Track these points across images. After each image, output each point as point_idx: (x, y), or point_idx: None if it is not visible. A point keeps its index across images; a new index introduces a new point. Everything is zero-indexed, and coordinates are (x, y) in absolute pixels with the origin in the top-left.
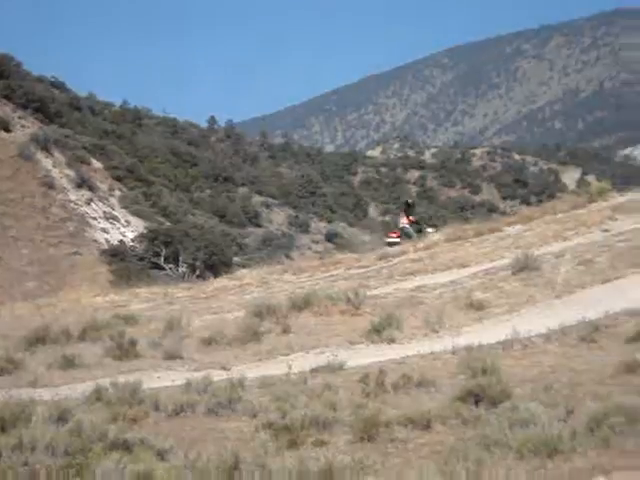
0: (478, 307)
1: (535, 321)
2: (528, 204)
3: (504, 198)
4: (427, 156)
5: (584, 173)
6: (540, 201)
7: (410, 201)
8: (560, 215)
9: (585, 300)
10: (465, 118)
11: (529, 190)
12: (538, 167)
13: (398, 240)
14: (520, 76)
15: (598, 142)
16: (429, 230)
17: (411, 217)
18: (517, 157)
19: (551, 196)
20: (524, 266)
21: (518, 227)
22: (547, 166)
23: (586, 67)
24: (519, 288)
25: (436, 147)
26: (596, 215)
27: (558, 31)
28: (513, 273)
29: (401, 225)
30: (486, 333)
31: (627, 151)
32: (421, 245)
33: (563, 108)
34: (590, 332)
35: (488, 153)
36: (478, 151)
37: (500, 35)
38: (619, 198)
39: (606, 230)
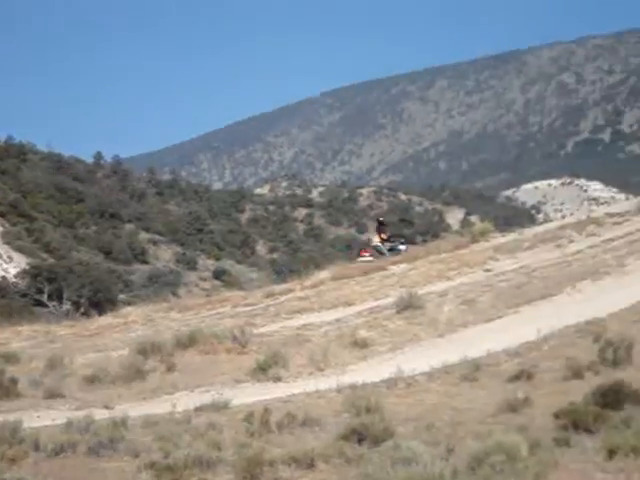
0: (363, 345)
1: (419, 359)
2: (413, 244)
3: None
4: (315, 195)
5: (468, 213)
6: (425, 241)
7: (382, 219)
8: (444, 255)
9: (467, 339)
10: (352, 158)
11: (414, 230)
12: (423, 207)
13: (371, 259)
14: (406, 117)
15: (482, 183)
16: (401, 247)
17: (383, 235)
18: (403, 197)
19: (436, 236)
20: (408, 305)
21: (403, 266)
22: (432, 206)
23: (470, 109)
24: (403, 327)
25: (324, 186)
26: (478, 255)
27: (442, 74)
28: (397, 312)
29: (374, 243)
30: (371, 371)
31: (509, 192)
32: (308, 283)
33: (448, 149)
34: (472, 371)
35: (375, 193)
36: (365, 190)
37: (386, 76)
38: (501, 238)
39: (488, 270)
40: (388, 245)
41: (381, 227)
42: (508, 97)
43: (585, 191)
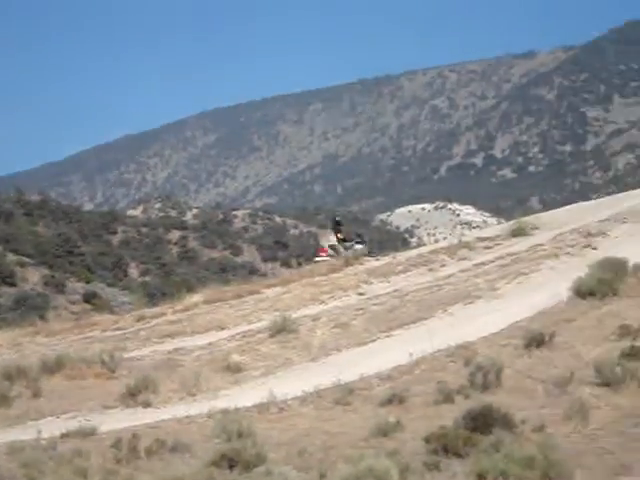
0: (236, 370)
1: (292, 384)
2: (288, 266)
3: (265, 260)
4: (189, 216)
5: None
6: (300, 264)
7: (339, 219)
8: (318, 278)
9: (341, 363)
10: (227, 180)
11: (289, 252)
12: (298, 230)
13: (328, 258)
14: (281, 140)
15: (357, 206)
16: (357, 247)
17: (340, 235)
18: (278, 219)
19: (311, 259)
20: (281, 328)
21: (277, 289)
22: (307, 229)
23: (345, 133)
24: (276, 350)
25: (198, 208)
26: (352, 279)
27: (317, 97)
28: (271, 335)
29: (331, 243)
30: (243, 396)
31: (384, 216)
32: (180, 307)
33: (323, 172)
34: (345, 395)
35: (250, 215)
36: (240, 213)
37: (261, 98)
38: (374, 262)
39: (361, 294)
40: (345, 244)
41: (338, 227)
42: (382, 121)
43: (458, 215)
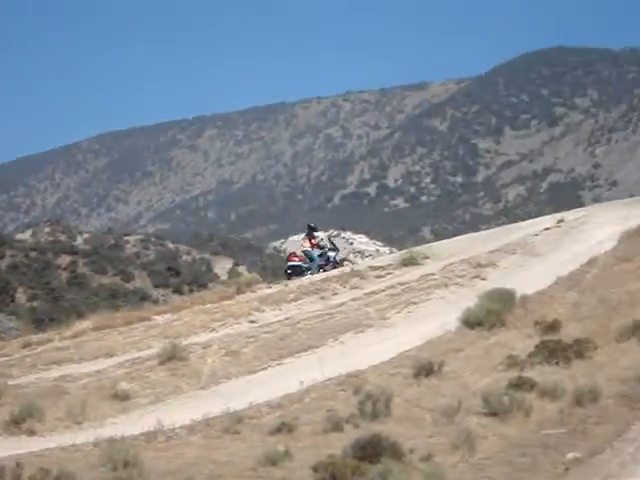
0: (124, 397)
1: (181, 412)
2: (181, 293)
3: (157, 286)
4: (79, 241)
5: (236, 263)
6: (192, 290)
7: (313, 225)
8: (209, 305)
9: (230, 391)
10: (119, 204)
11: (182, 279)
12: (191, 256)
13: (301, 264)
14: (175, 165)
15: (251, 233)
16: (331, 254)
17: (314, 241)
18: (171, 245)
19: (203, 286)
20: (171, 356)
21: (167, 316)
22: (200, 255)
23: (239, 159)
24: (166, 378)
25: (89, 232)
26: (244, 306)
27: (212, 123)
28: (160, 363)
29: (303, 249)
30: (131, 424)
31: (277, 243)
32: (68, 333)
33: (216, 198)
34: (233, 423)
35: (142, 240)
36: (132, 238)
37: (155, 123)
38: (266, 290)
39: (253, 321)
40: (318, 251)
41: (312, 233)
42: (277, 148)
43: (351, 244)
